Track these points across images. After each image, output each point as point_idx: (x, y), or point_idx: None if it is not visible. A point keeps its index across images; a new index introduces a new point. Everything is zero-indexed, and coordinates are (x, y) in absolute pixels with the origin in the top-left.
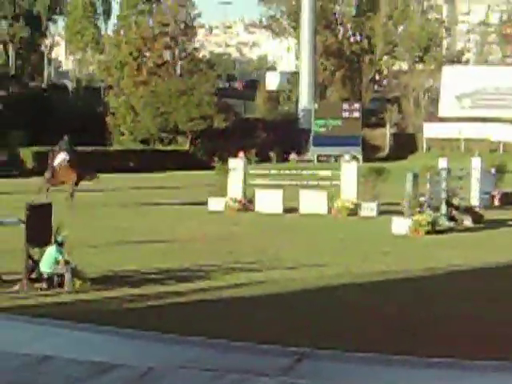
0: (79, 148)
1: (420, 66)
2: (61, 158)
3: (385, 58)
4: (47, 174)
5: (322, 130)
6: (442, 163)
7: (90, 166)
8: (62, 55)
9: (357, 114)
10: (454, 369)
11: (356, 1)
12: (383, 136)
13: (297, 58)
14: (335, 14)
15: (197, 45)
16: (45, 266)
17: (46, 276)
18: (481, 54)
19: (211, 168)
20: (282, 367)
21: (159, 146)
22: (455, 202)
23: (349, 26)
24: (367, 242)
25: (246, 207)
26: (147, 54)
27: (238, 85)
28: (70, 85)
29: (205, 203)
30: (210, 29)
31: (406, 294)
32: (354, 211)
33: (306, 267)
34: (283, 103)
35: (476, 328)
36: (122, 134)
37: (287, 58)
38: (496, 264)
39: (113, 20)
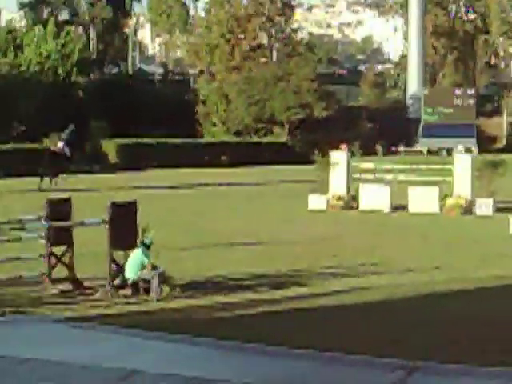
0: (167, 140)
1: None
2: (58, 146)
3: (501, 38)
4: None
5: (433, 119)
6: None
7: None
8: (148, 38)
9: (471, 101)
10: None
11: None
12: (500, 125)
13: (405, 38)
14: None
15: (295, 25)
16: (130, 271)
17: (131, 282)
18: None
19: (311, 162)
20: (391, 382)
21: (254, 138)
22: None
23: (461, 2)
24: (482, 243)
25: (350, 205)
26: (240, 36)
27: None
28: (157, 70)
29: (305, 201)
30: (310, 7)
31: None
32: (468, 209)
33: (415, 271)
34: (390, 89)
35: None
36: (214, 125)
37: (394, 40)
38: None
39: None
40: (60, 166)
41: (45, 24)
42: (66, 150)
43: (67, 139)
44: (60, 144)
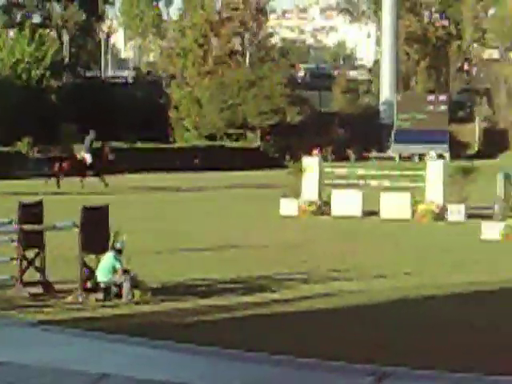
0: (140, 145)
1: None
2: (82, 155)
3: (474, 45)
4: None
5: (405, 124)
6: None
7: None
8: (121, 42)
9: (443, 108)
10: None
11: None
12: (472, 132)
13: (378, 44)
14: None
15: (268, 31)
16: (101, 275)
17: (102, 286)
18: None
19: (284, 167)
20: None
21: (227, 143)
22: None
23: (434, 9)
24: (455, 249)
25: (322, 210)
26: (214, 40)
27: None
28: (129, 74)
29: (276, 206)
30: (283, 12)
31: (498, 306)
32: (440, 215)
33: (386, 277)
34: (363, 95)
35: None
36: (186, 130)
37: (367, 45)
38: None
39: (176, 2)
40: (81, 171)
41: (19, 27)
42: (88, 157)
43: (88, 147)
44: (84, 154)
